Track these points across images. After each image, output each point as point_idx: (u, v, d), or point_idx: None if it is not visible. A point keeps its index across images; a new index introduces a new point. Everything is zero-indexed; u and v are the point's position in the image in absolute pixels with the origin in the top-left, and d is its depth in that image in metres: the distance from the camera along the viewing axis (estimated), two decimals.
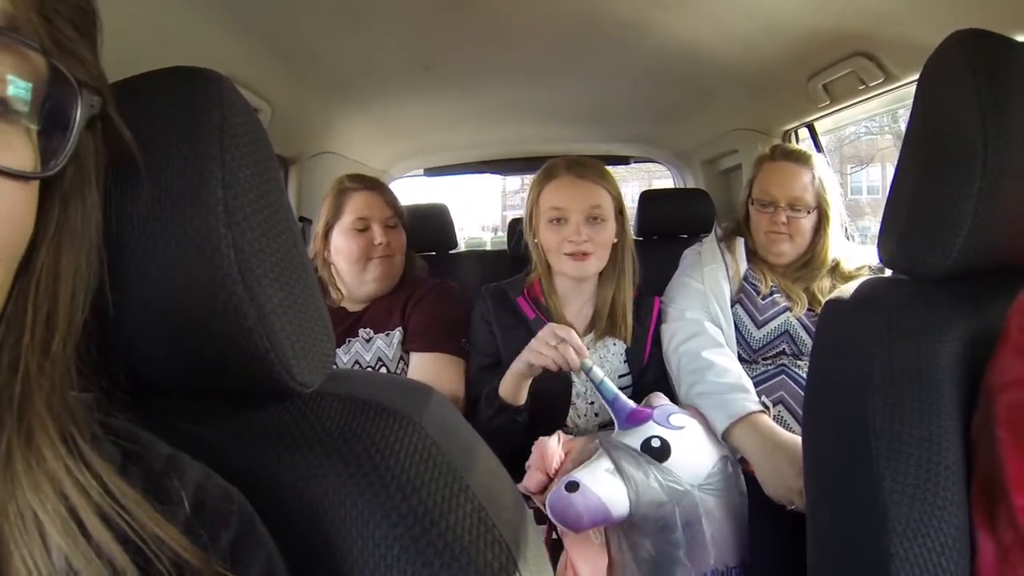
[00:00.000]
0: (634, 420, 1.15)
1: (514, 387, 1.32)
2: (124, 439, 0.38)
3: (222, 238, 0.42)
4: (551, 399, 1.41)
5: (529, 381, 1.32)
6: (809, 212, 1.57)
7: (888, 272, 0.97)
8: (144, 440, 0.39)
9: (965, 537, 0.63)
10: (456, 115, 2.37)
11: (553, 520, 1.05)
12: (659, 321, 1.55)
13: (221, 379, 0.47)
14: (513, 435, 1.35)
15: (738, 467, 1.16)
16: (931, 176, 0.72)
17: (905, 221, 0.75)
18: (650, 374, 1.51)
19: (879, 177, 10.34)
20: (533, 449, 1.20)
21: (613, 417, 1.19)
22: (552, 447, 1.17)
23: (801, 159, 1.61)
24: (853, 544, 0.69)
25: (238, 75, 1.50)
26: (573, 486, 1.03)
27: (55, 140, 0.33)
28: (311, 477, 0.46)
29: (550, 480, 1.15)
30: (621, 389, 1.42)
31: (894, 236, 0.77)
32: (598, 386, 1.21)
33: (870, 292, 0.81)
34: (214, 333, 0.43)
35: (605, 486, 1.03)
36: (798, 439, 1.15)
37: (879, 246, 0.80)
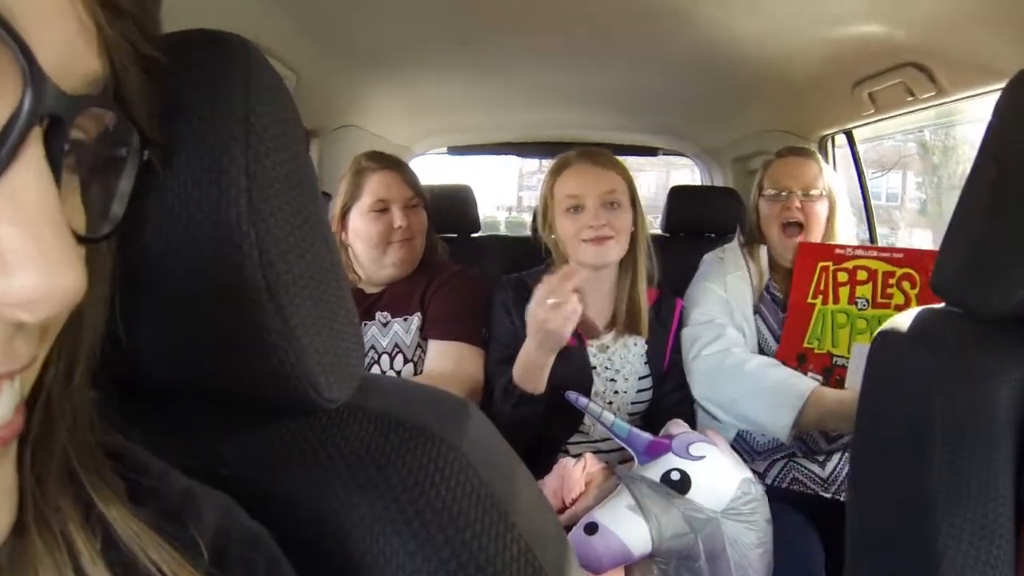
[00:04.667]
0: (653, 453, 1.14)
1: (530, 373, 1.30)
2: (134, 471, 0.34)
3: (245, 237, 0.35)
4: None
5: (549, 367, 1.29)
6: (822, 196, 1.57)
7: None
8: (156, 471, 0.35)
9: None
10: (486, 95, 2.32)
11: None
12: (680, 324, 1.53)
13: (238, 391, 0.42)
14: (531, 426, 1.33)
15: (762, 489, 1.13)
16: (1002, 212, 0.68)
17: (967, 254, 0.71)
18: (671, 379, 1.49)
19: (899, 184, 10.24)
20: (554, 469, 1.18)
21: (631, 452, 1.17)
22: (575, 476, 1.15)
23: (807, 153, 1.65)
24: None
25: (264, 41, 1.44)
26: (592, 528, 1.02)
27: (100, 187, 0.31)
28: (340, 506, 0.41)
29: (565, 506, 1.14)
30: (641, 392, 1.44)
31: (953, 269, 0.73)
32: (610, 428, 1.19)
33: (926, 326, 0.77)
34: (233, 344, 0.38)
35: (625, 525, 1.02)
36: (855, 391, 1.16)
37: (934, 275, 0.76)
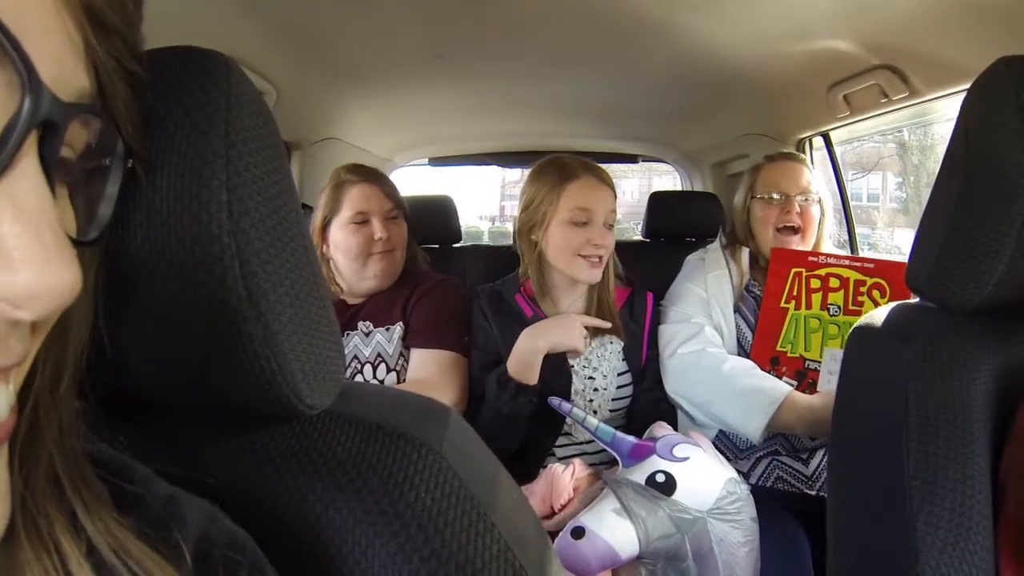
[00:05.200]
0: (637, 456, 1.14)
1: (527, 366, 1.34)
2: (119, 478, 0.35)
3: (226, 248, 0.37)
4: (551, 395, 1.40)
5: (543, 355, 1.35)
6: (817, 201, 1.61)
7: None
8: (140, 477, 0.36)
9: None
10: (465, 106, 2.32)
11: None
12: (654, 318, 1.56)
13: (222, 399, 0.42)
14: (520, 424, 1.36)
15: (747, 489, 1.14)
16: (971, 206, 0.69)
17: (940, 249, 0.73)
18: (649, 375, 1.51)
19: (879, 185, 10.33)
20: (542, 475, 1.18)
21: (616, 456, 1.18)
22: (563, 483, 1.16)
23: (800, 159, 1.68)
24: None
25: (244, 57, 1.45)
26: (579, 532, 1.03)
27: (87, 195, 0.33)
28: (322, 510, 0.42)
29: (553, 512, 1.14)
30: (621, 388, 1.46)
31: (926, 264, 0.75)
32: (594, 432, 1.20)
33: (901, 320, 0.79)
34: (215, 352, 0.39)
35: (612, 528, 1.03)
36: (827, 396, 1.30)
37: (908, 271, 0.78)
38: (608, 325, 1.41)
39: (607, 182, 1.44)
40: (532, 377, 1.35)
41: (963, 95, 0.74)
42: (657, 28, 1.49)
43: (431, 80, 1.96)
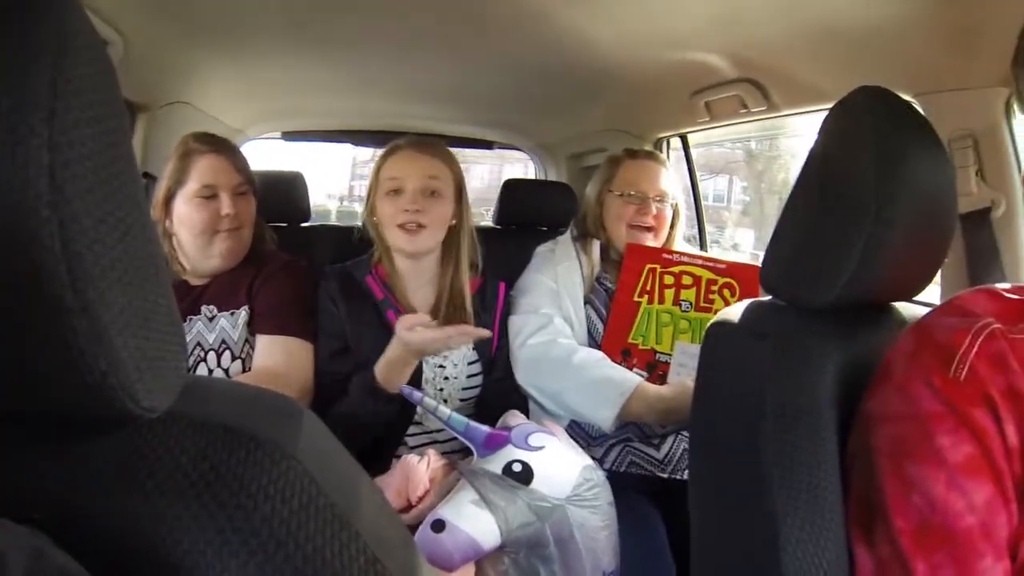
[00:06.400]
0: (491, 445, 1.14)
1: (397, 374, 1.32)
2: None
3: (45, 223, 0.30)
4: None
5: (412, 368, 1.34)
6: (671, 202, 1.67)
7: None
8: None
9: (845, 553, 0.68)
10: (325, 80, 2.21)
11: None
12: (505, 308, 1.58)
13: (43, 405, 0.36)
14: (381, 424, 1.34)
15: (603, 475, 1.18)
16: (824, 217, 0.76)
17: (794, 254, 0.80)
18: (500, 365, 1.53)
19: (725, 187, 11.09)
20: (397, 468, 1.16)
21: (470, 446, 1.17)
22: (419, 474, 1.14)
23: (660, 160, 1.73)
24: (743, 563, 0.72)
25: None
26: (439, 525, 1.01)
27: None
28: (168, 530, 0.36)
29: (410, 505, 1.12)
30: (472, 377, 1.47)
31: (780, 265, 0.82)
32: (447, 422, 1.18)
33: (755, 317, 0.84)
34: (32, 351, 0.33)
35: (472, 520, 1.02)
36: (677, 387, 1.39)
37: (762, 271, 0.84)
38: (489, 334, 1.39)
39: (429, 152, 1.46)
40: (402, 382, 1.32)
41: (816, 114, 0.81)
42: (532, 17, 1.48)
43: (292, 50, 1.85)
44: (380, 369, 1.33)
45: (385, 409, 1.34)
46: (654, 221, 1.63)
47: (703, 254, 1.59)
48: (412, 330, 1.28)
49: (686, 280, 1.56)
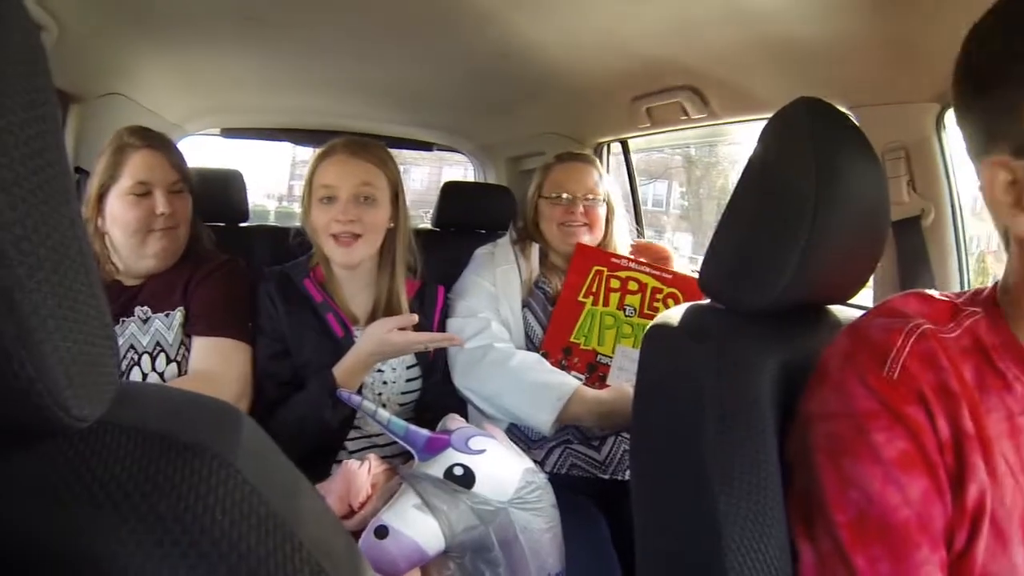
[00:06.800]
0: (432, 449, 1.13)
1: (356, 379, 1.34)
2: None
3: None
4: None
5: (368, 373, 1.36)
6: (602, 201, 1.69)
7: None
8: None
9: (787, 547, 0.69)
10: (266, 76, 2.17)
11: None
12: (444, 312, 1.58)
13: None
14: (325, 432, 1.34)
15: (544, 477, 1.18)
16: (763, 223, 0.78)
17: (732, 258, 0.82)
18: (439, 367, 1.52)
19: (664, 192, 11.36)
20: (338, 473, 1.14)
21: (410, 450, 1.16)
22: (360, 480, 1.12)
23: (588, 159, 1.77)
24: (687, 562, 0.73)
25: None
26: (383, 531, 1.00)
27: None
28: (105, 546, 0.34)
29: (353, 511, 1.10)
30: (410, 381, 1.46)
31: (720, 270, 0.84)
32: (386, 426, 1.17)
33: (694, 320, 0.85)
34: None
35: (416, 525, 1.01)
36: (616, 391, 1.44)
37: (701, 276, 0.86)
38: (461, 340, 1.42)
39: (363, 156, 1.42)
40: (355, 386, 1.33)
41: (754, 122, 0.83)
42: (475, 19, 1.49)
43: (233, 45, 1.81)
44: (340, 373, 1.32)
45: (341, 412, 1.33)
46: (585, 218, 1.65)
47: (651, 262, 1.61)
48: (391, 332, 1.30)
49: (632, 286, 1.58)
